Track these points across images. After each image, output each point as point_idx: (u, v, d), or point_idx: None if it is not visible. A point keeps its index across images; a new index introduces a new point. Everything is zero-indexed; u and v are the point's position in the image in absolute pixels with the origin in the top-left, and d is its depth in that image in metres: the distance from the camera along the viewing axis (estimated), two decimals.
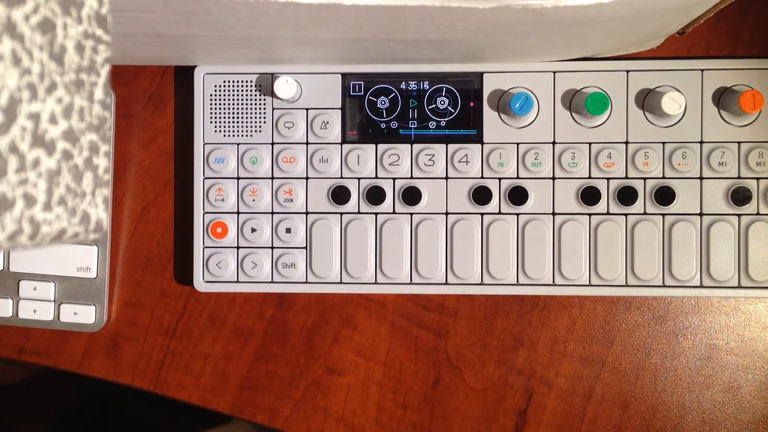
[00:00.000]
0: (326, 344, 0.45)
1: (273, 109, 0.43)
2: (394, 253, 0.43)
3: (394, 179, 0.43)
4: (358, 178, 0.43)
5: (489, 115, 0.42)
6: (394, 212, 0.43)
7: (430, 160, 0.42)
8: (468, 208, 0.42)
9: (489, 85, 0.42)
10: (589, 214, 0.42)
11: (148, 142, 0.45)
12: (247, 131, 0.43)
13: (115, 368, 0.45)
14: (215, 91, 0.43)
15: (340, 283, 0.43)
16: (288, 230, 0.43)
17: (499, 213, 0.42)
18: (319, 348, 0.45)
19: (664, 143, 0.42)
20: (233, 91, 0.43)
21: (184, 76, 0.45)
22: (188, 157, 0.44)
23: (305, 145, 0.43)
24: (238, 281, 0.43)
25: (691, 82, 0.42)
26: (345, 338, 0.45)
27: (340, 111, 0.43)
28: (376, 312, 0.44)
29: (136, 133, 0.45)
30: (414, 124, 0.43)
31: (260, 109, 0.43)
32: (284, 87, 0.41)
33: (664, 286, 0.42)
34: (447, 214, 0.43)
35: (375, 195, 0.43)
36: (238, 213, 0.43)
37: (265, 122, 0.43)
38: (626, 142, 0.42)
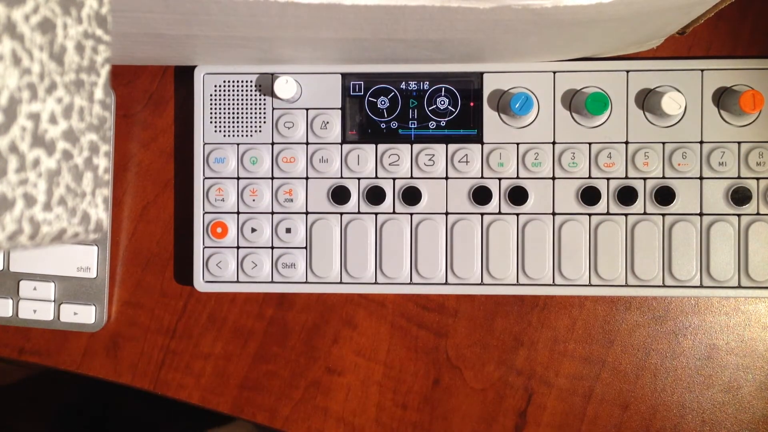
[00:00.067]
0: (326, 344, 0.45)
1: (273, 109, 0.43)
2: (394, 253, 0.43)
3: (394, 179, 0.43)
4: (358, 178, 0.43)
5: (489, 115, 0.42)
6: (394, 212, 0.43)
7: (430, 160, 0.42)
8: (468, 208, 0.42)
9: (489, 85, 0.42)
10: (589, 214, 0.42)
11: (148, 142, 0.45)
12: (247, 131, 0.43)
13: (115, 368, 0.45)
14: (215, 91, 0.43)
15: (340, 283, 0.43)
16: (288, 230, 0.43)
17: (499, 213, 0.42)
18: (319, 348, 0.45)
19: (664, 143, 0.42)
20: (233, 91, 0.43)
21: (184, 76, 0.45)
22: (188, 157, 0.44)
23: (305, 145, 0.43)
24: (238, 281, 0.43)
25: (691, 82, 0.42)
26: (345, 338, 0.45)
27: (340, 111, 0.43)
28: (376, 312, 0.44)
29: (136, 133, 0.45)
30: (414, 124, 0.43)
31: (260, 109, 0.43)
32: (284, 87, 0.41)
33: (664, 286, 0.42)
34: (447, 214, 0.43)
35: (375, 195, 0.43)
36: (238, 213, 0.43)
37: (265, 122, 0.43)
38: (626, 142, 0.42)
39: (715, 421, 0.44)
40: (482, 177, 0.42)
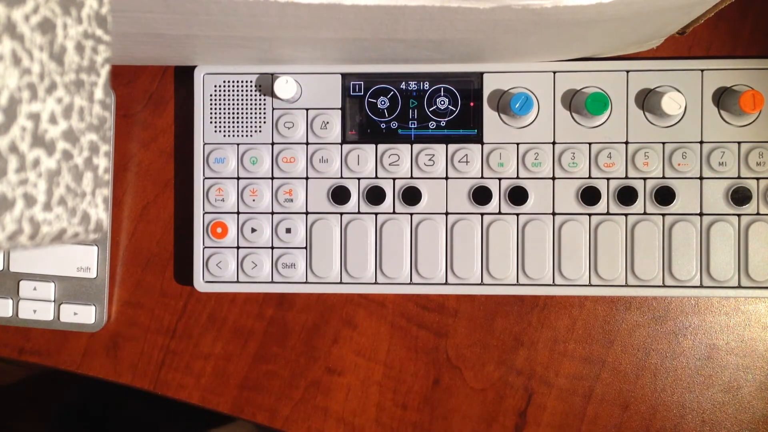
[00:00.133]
0: (326, 344, 0.45)
1: (273, 109, 0.43)
2: (394, 253, 0.43)
3: (394, 179, 0.43)
4: (358, 178, 0.43)
5: (489, 115, 0.42)
6: (394, 212, 0.43)
7: (430, 160, 0.42)
8: (468, 208, 0.42)
9: (489, 85, 0.42)
10: (589, 214, 0.42)
11: (148, 142, 0.45)
12: (247, 131, 0.43)
13: (115, 368, 0.45)
14: (215, 91, 0.43)
15: (340, 283, 0.43)
16: (288, 230, 0.43)
17: (499, 213, 0.42)
18: (319, 348, 0.45)
19: (664, 143, 0.42)
20: (233, 91, 0.43)
21: (184, 76, 0.45)
22: (188, 157, 0.44)
23: (305, 145, 0.43)
24: (238, 281, 0.43)
25: (691, 82, 0.42)
26: (345, 338, 0.45)
27: (340, 111, 0.43)
28: (376, 312, 0.44)
29: (136, 133, 0.45)
30: (414, 124, 0.43)
31: (260, 109, 0.43)
32: (284, 87, 0.41)
33: (664, 286, 0.42)
34: (447, 214, 0.43)
35: (375, 195, 0.43)
36: (238, 213, 0.43)
37: (265, 122, 0.43)
38: (626, 142, 0.42)
39: (715, 421, 0.44)
40: (482, 177, 0.42)
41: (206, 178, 0.43)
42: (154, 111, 0.45)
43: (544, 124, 0.42)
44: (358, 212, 0.43)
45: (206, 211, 0.43)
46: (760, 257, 0.41)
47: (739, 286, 0.42)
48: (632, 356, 0.44)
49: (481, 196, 0.42)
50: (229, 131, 0.43)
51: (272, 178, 0.43)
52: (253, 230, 0.43)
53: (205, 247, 0.43)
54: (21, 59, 0.18)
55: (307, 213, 0.43)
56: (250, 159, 0.43)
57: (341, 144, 0.43)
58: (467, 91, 0.42)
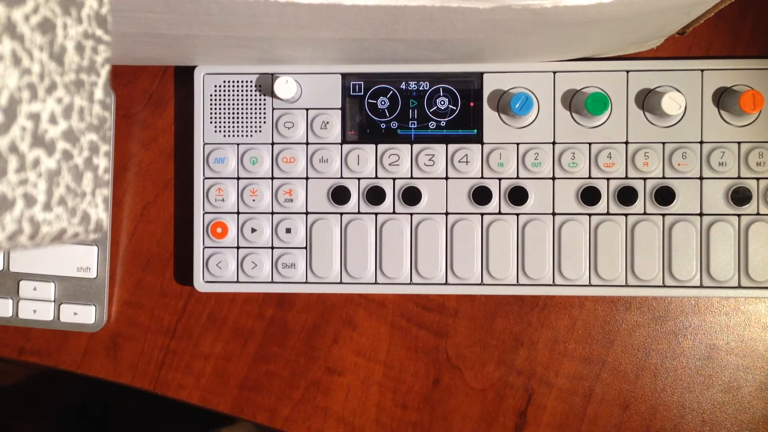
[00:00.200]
0: (326, 344, 0.45)
1: (273, 109, 0.43)
2: (394, 253, 0.43)
3: (394, 179, 0.43)
4: (358, 178, 0.43)
5: (489, 115, 0.42)
6: (394, 212, 0.43)
7: (430, 160, 0.42)
8: (468, 208, 0.42)
9: (489, 85, 0.42)
10: (589, 214, 0.42)
11: (148, 142, 0.45)
12: (247, 131, 0.43)
13: (115, 368, 0.45)
14: (215, 91, 0.43)
15: (340, 283, 0.43)
16: (288, 230, 0.43)
17: (499, 213, 0.42)
18: (319, 348, 0.45)
19: (664, 143, 0.42)
20: (233, 91, 0.43)
21: (184, 76, 0.45)
22: (188, 157, 0.44)
23: (305, 145, 0.43)
24: (238, 281, 0.43)
25: (691, 82, 0.42)
26: (345, 338, 0.45)
27: (340, 111, 0.43)
28: (376, 312, 0.44)
29: (136, 133, 0.45)
30: (414, 124, 0.43)
31: (260, 109, 0.43)
32: (284, 87, 0.41)
33: (664, 286, 0.42)
34: (447, 214, 0.43)
35: (375, 195, 0.43)
36: (238, 213, 0.43)
37: (265, 122, 0.43)
38: (626, 142, 0.42)
39: (715, 421, 0.44)
40: (482, 177, 0.42)
41: (206, 178, 0.43)
42: (154, 111, 0.45)
43: (544, 124, 0.42)
44: (358, 212, 0.43)
45: (206, 211, 0.43)
46: (760, 257, 0.41)
47: (739, 286, 0.42)
48: (632, 356, 0.44)
49: (481, 196, 0.42)
50: (229, 131, 0.43)
51: (272, 178, 0.43)
52: (253, 230, 0.43)
53: (205, 247, 0.43)
54: (21, 59, 0.18)
55: (307, 213, 0.43)
56: (250, 159, 0.43)
57: (341, 144, 0.43)
58: (467, 91, 0.42)
